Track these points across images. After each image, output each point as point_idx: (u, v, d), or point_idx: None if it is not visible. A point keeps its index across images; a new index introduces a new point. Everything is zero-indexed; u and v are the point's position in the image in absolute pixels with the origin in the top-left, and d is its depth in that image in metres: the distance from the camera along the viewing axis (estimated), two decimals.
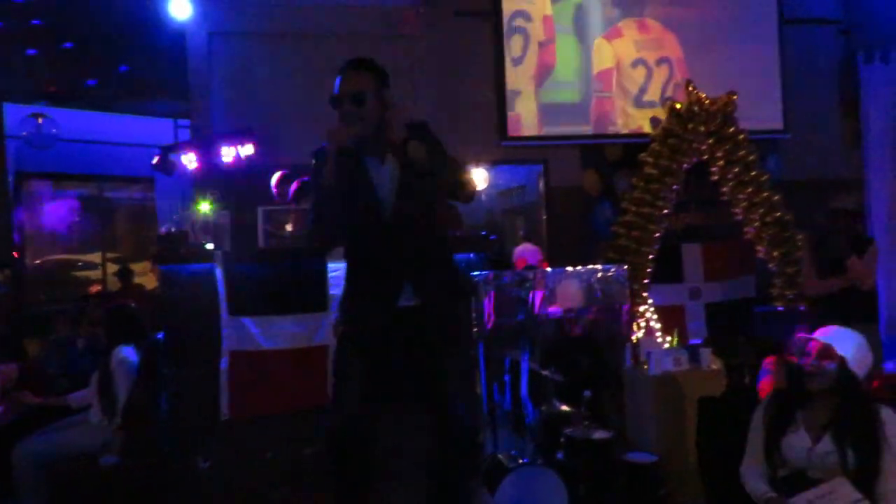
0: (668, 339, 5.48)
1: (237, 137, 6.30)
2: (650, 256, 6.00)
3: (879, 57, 7.12)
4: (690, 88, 6.16)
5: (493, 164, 7.19)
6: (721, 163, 6.17)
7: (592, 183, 7.38)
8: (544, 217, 7.64)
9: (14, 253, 8.52)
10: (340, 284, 4.45)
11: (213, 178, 6.20)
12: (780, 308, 6.08)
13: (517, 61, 7.38)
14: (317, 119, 6.05)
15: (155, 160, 6.55)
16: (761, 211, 6.15)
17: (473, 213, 9.12)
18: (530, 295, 4.90)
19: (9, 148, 8.66)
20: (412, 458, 3.54)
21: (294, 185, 5.23)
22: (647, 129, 7.12)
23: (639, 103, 7.48)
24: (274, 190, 5.66)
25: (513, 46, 7.35)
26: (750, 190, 6.16)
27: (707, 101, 6.08)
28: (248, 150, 6.25)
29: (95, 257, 11.00)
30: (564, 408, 4.34)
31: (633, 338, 5.49)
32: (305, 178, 5.02)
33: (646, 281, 5.97)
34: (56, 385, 4.92)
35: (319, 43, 6.72)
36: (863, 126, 7.23)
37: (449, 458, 2.85)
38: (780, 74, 7.75)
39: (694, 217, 7.02)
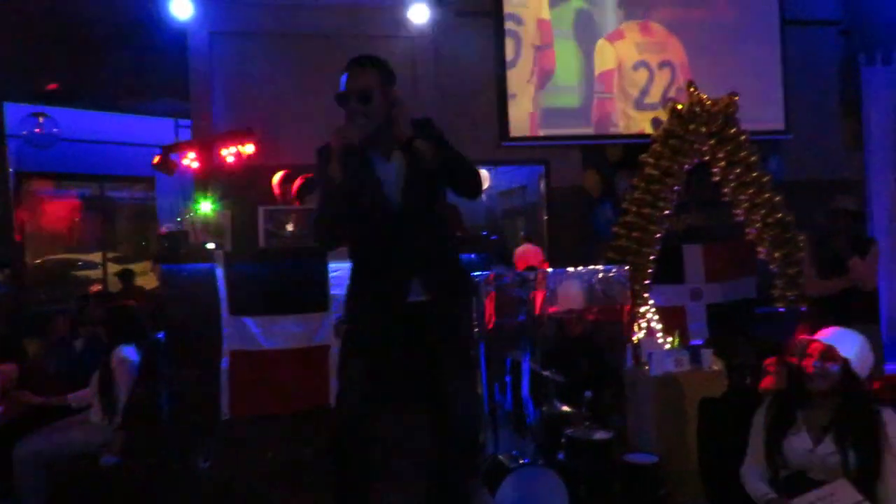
0: (669, 339, 5.47)
1: (238, 137, 6.31)
2: (651, 257, 5.99)
3: (881, 58, 7.11)
4: (692, 89, 6.16)
5: (495, 164, 7.20)
6: (722, 164, 6.17)
7: (593, 184, 7.38)
8: (545, 218, 7.65)
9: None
10: (341, 284, 4.49)
11: (214, 178, 6.20)
12: (782, 309, 6.07)
13: (510, 64, 7.40)
14: (318, 119, 6.06)
15: (156, 160, 6.55)
16: (763, 212, 6.14)
17: (474, 213, 9.13)
18: (531, 295, 4.90)
19: (10, 147, 8.67)
20: (412, 458, 3.54)
21: (298, 182, 5.24)
22: (648, 130, 7.12)
23: (640, 106, 7.49)
24: (276, 190, 5.66)
25: (506, 49, 7.36)
26: (751, 191, 6.15)
27: (708, 102, 6.07)
28: (248, 149, 6.26)
29: (96, 257, 11.00)
30: (565, 408, 4.34)
31: (634, 338, 5.48)
32: (309, 175, 5.02)
33: (647, 282, 5.96)
34: (56, 385, 4.91)
35: (320, 43, 6.73)
36: (864, 127, 7.22)
37: (449, 458, 2.85)
38: (781, 75, 7.76)
39: (695, 218, 7.02)
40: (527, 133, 7.34)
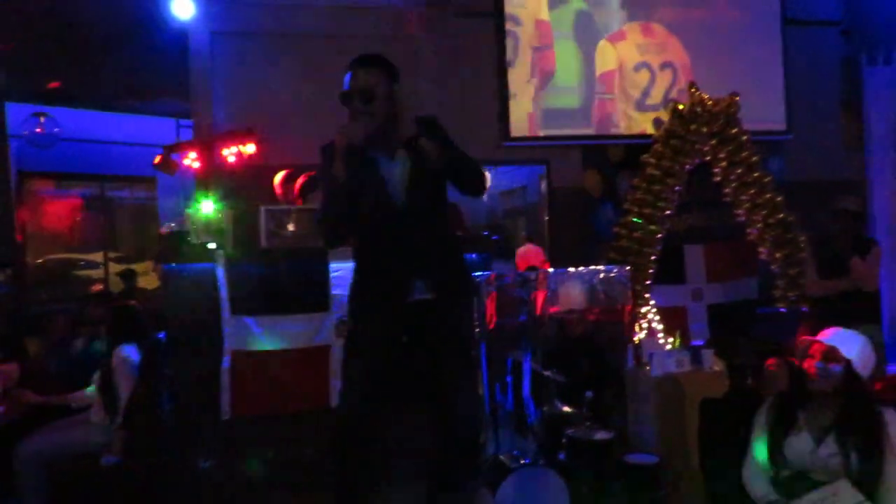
0: (671, 340, 5.47)
1: (239, 137, 6.31)
2: (652, 257, 5.99)
3: (882, 58, 7.10)
4: (693, 90, 6.16)
5: (495, 164, 7.19)
6: (724, 164, 6.16)
7: (594, 184, 7.38)
8: (546, 218, 7.64)
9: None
10: (342, 285, 4.50)
11: (215, 178, 6.20)
12: (783, 309, 6.06)
13: (509, 64, 7.39)
14: (319, 118, 6.06)
15: (157, 159, 6.56)
16: (764, 212, 6.13)
17: (475, 213, 9.12)
18: (532, 296, 4.90)
19: (11, 147, 8.66)
20: (413, 458, 3.54)
21: (301, 180, 5.23)
22: (650, 131, 7.12)
23: (641, 107, 7.48)
24: (278, 189, 5.66)
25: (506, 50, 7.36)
26: (753, 191, 6.14)
27: (710, 103, 6.07)
28: (249, 149, 6.26)
29: (97, 256, 11.00)
30: (566, 408, 4.33)
31: (635, 339, 5.47)
32: (311, 174, 5.02)
33: (648, 282, 5.96)
34: (57, 384, 4.92)
35: (321, 43, 6.73)
36: (865, 127, 7.21)
37: (450, 459, 2.85)
38: (782, 76, 7.75)
39: (696, 218, 7.01)
40: (527, 133, 7.33)
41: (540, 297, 5.00)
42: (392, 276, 2.75)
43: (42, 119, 8.70)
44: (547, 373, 4.46)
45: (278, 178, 5.74)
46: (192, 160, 6.35)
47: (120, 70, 8.29)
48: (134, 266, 9.38)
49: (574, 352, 5.10)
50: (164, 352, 4.45)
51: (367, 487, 2.80)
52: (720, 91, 6.23)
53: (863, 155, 7.28)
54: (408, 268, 2.74)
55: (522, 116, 7.36)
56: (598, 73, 7.46)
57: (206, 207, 5.25)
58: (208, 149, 6.37)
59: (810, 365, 2.77)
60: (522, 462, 3.87)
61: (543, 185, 7.78)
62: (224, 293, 4.41)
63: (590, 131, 7.44)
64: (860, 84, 7.24)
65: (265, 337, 4.48)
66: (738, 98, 6.14)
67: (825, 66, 7.97)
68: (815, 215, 5.50)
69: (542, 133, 7.36)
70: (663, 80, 7.50)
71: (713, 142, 6.11)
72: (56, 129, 8.80)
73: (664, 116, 6.58)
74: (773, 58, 7.74)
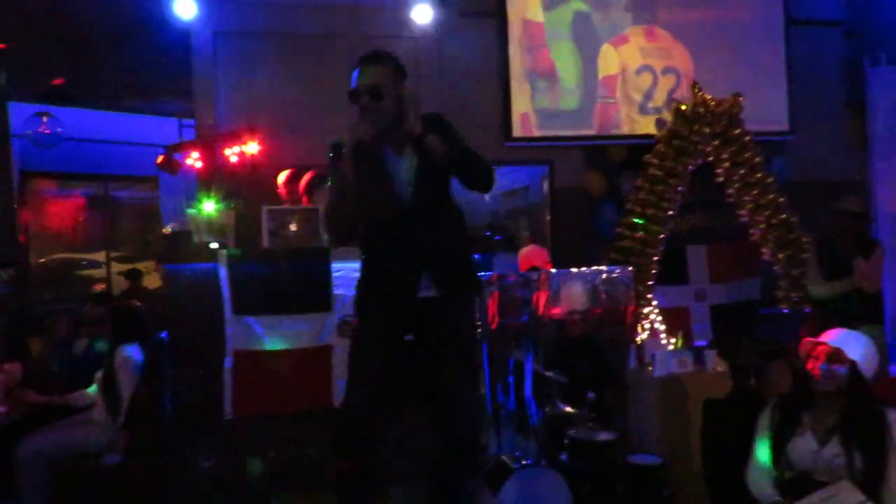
0: (673, 340, 5.47)
1: (241, 137, 6.30)
2: (655, 258, 5.98)
3: (886, 59, 7.09)
4: (696, 90, 6.15)
5: (498, 165, 7.16)
6: (726, 164, 6.15)
7: (596, 184, 7.36)
8: (548, 218, 7.62)
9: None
10: (344, 284, 4.50)
11: (218, 178, 6.19)
12: (786, 310, 6.05)
13: (511, 65, 7.36)
14: (321, 118, 6.07)
15: (159, 159, 6.55)
16: (767, 213, 6.13)
17: (477, 213, 9.12)
18: (534, 296, 4.90)
19: (14, 147, 8.67)
20: (414, 458, 3.54)
21: (306, 178, 5.23)
22: (652, 131, 7.10)
23: (644, 110, 7.46)
24: (282, 189, 5.65)
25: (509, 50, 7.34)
26: (755, 192, 6.14)
27: (713, 103, 6.06)
28: (252, 149, 6.25)
29: (100, 256, 10.99)
30: (568, 409, 4.33)
31: (638, 339, 5.47)
32: (315, 173, 5.03)
33: (650, 282, 5.95)
34: (59, 384, 4.92)
35: (324, 43, 6.72)
36: (869, 128, 7.21)
37: (450, 458, 2.85)
38: (785, 76, 7.73)
39: (699, 219, 6.99)
40: (525, 134, 7.32)
41: (542, 298, 5.00)
42: (398, 272, 2.75)
43: (45, 119, 8.70)
44: (549, 373, 4.46)
45: (282, 177, 5.73)
46: (194, 160, 6.34)
47: (122, 70, 8.29)
48: (136, 266, 9.37)
49: (576, 352, 5.09)
50: (167, 352, 4.46)
51: (369, 487, 2.80)
52: (723, 91, 6.22)
53: (866, 155, 7.27)
54: (414, 265, 2.75)
55: (522, 117, 7.34)
56: (600, 76, 7.44)
57: (209, 207, 5.25)
58: (211, 148, 6.36)
59: (814, 367, 2.76)
60: (524, 463, 3.87)
61: (546, 186, 7.75)
62: (226, 293, 4.41)
63: (591, 132, 7.42)
64: (863, 84, 7.23)
65: (267, 337, 4.48)
66: (741, 98, 6.13)
67: (828, 66, 7.95)
68: (817, 216, 5.49)
69: (537, 134, 7.34)
70: (666, 83, 7.49)
71: (716, 142, 6.11)
72: (59, 129, 8.80)
73: (667, 117, 6.57)
74: (777, 58, 7.73)
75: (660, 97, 7.46)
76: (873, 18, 7.79)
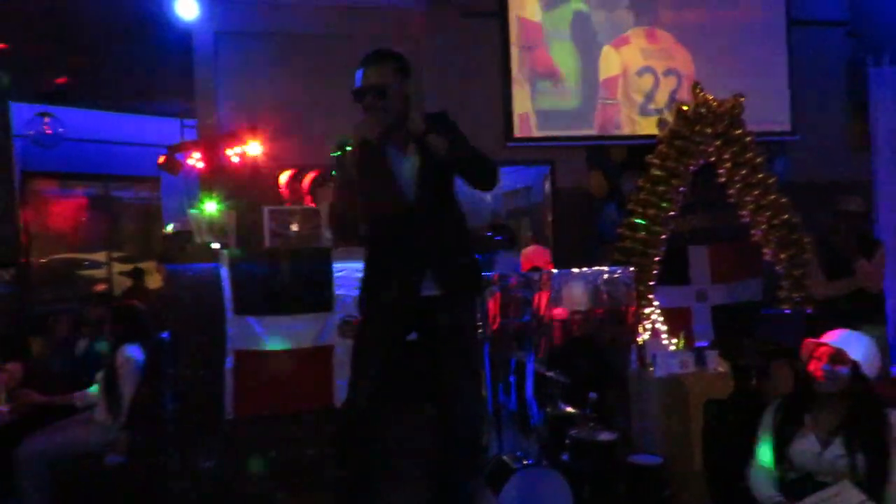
0: (674, 341, 5.46)
1: (243, 137, 6.31)
2: (656, 258, 5.98)
3: (888, 59, 7.08)
4: (697, 90, 6.14)
5: (500, 165, 7.16)
6: (728, 165, 6.15)
7: (598, 185, 7.36)
8: (550, 218, 7.62)
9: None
10: (345, 284, 4.50)
11: (219, 178, 6.20)
12: (788, 311, 6.04)
13: (511, 65, 7.35)
14: (323, 119, 6.06)
15: (161, 159, 6.56)
16: (769, 213, 6.12)
17: (479, 213, 9.11)
18: (536, 296, 4.90)
19: (15, 147, 8.67)
20: (415, 458, 3.54)
21: (310, 177, 5.24)
22: (654, 132, 7.10)
23: (645, 111, 7.46)
24: (284, 189, 5.66)
25: (510, 51, 7.33)
26: (757, 192, 6.13)
27: (714, 103, 6.06)
28: (253, 149, 6.26)
29: (101, 256, 10.99)
30: (569, 409, 4.33)
31: (639, 340, 5.47)
32: (318, 172, 5.03)
33: (652, 283, 5.95)
34: (60, 384, 4.92)
35: (325, 43, 6.72)
36: (871, 128, 7.19)
37: (451, 458, 2.84)
38: (787, 76, 7.73)
39: (701, 219, 6.98)
40: (526, 134, 7.31)
41: (543, 298, 4.99)
42: (401, 270, 2.75)
43: (46, 119, 8.71)
44: (550, 373, 4.45)
45: (284, 177, 5.74)
46: (195, 160, 6.35)
47: (124, 70, 8.29)
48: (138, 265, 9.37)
49: (577, 352, 5.09)
50: (168, 352, 4.45)
51: (369, 486, 2.80)
52: (725, 92, 6.21)
53: (868, 156, 7.25)
54: (417, 263, 2.74)
55: (522, 117, 7.33)
56: (601, 78, 7.43)
57: (210, 207, 5.26)
58: (212, 149, 6.37)
59: (817, 367, 2.76)
60: (526, 463, 3.87)
61: (547, 186, 7.74)
62: (227, 293, 4.41)
63: (591, 133, 7.41)
64: (866, 85, 7.21)
65: (268, 337, 4.48)
66: (742, 99, 6.12)
67: (830, 66, 7.94)
68: (819, 216, 5.48)
69: (538, 134, 7.33)
70: (667, 85, 7.48)
71: (718, 143, 6.10)
72: (60, 129, 8.81)
73: (669, 117, 6.56)
74: (778, 58, 7.72)
75: (661, 99, 7.46)
76: (875, 18, 7.78)
